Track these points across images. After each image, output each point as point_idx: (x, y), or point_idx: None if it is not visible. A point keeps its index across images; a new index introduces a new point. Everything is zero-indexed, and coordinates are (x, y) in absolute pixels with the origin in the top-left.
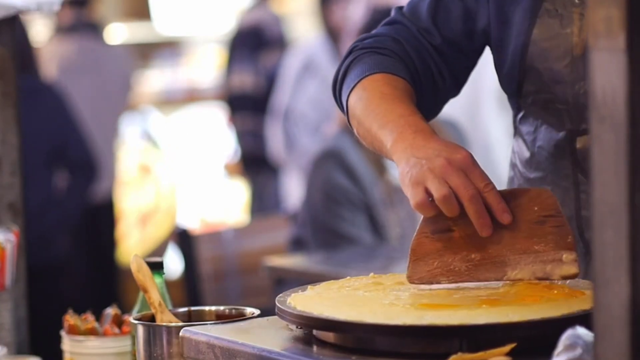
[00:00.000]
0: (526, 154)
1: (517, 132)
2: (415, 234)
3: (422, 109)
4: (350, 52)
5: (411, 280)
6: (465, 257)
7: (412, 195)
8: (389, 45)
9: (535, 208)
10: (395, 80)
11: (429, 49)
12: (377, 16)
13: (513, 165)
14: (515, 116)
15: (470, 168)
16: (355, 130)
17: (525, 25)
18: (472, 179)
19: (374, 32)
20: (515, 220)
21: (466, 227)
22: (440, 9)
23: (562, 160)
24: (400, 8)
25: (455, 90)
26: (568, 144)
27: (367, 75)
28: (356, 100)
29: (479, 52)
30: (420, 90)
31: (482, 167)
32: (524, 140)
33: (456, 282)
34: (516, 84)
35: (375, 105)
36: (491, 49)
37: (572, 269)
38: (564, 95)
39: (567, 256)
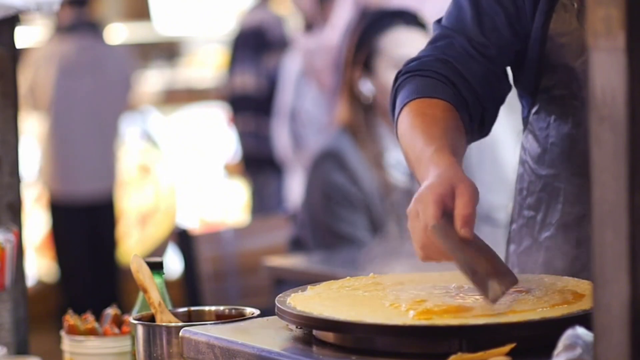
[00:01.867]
0: (538, 150)
1: (528, 127)
2: None
3: (489, 115)
4: (396, 78)
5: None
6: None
7: (411, 230)
8: (432, 66)
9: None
10: (427, 105)
11: (480, 61)
12: (369, 17)
13: (523, 162)
14: (527, 112)
15: (423, 207)
16: None
17: (541, 20)
18: (423, 218)
19: (419, 53)
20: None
21: None
22: (484, 18)
23: (576, 158)
24: (438, 21)
25: (510, 86)
26: (583, 141)
27: (405, 104)
28: (399, 137)
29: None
30: (476, 101)
31: (489, 167)
32: (536, 137)
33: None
34: (533, 79)
35: (406, 145)
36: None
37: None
38: (580, 92)
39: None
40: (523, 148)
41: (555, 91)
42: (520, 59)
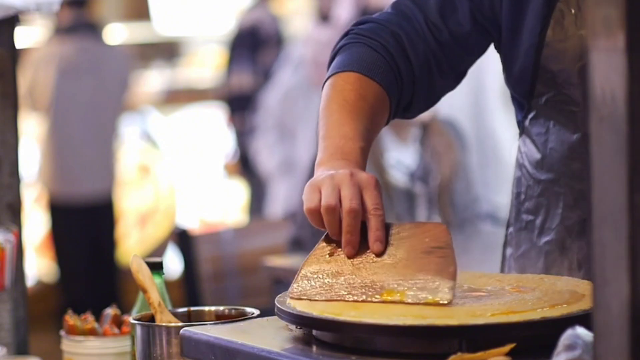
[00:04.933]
0: (536, 155)
1: (525, 132)
2: (309, 254)
3: (417, 100)
4: (346, 34)
5: (291, 295)
6: (347, 280)
7: (306, 200)
8: (383, 38)
9: (427, 239)
10: (367, 85)
11: (431, 45)
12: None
13: (520, 166)
14: (523, 117)
15: (369, 187)
16: None
17: (538, 26)
18: (365, 198)
19: (376, 15)
20: (401, 252)
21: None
22: (446, 3)
23: (575, 163)
24: None
25: (454, 83)
26: (582, 147)
27: (344, 71)
28: (324, 94)
29: (484, 48)
30: (411, 85)
31: (493, 168)
32: (534, 141)
33: (332, 300)
34: (528, 85)
35: (331, 111)
36: (499, 49)
37: (447, 296)
38: (579, 97)
39: (444, 284)
40: (520, 152)
41: (554, 96)
42: (479, 51)
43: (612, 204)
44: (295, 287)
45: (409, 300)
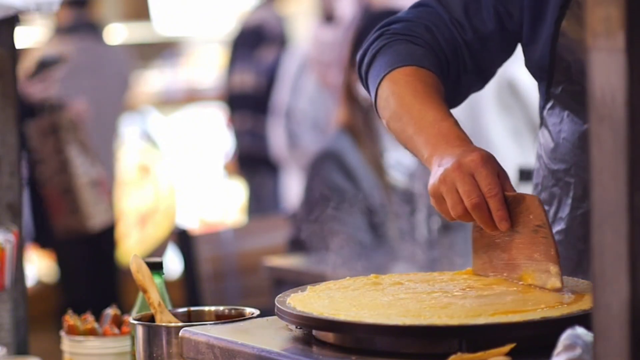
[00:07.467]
0: (551, 145)
1: (543, 123)
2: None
3: (447, 99)
4: (380, 35)
5: (474, 271)
6: (499, 255)
7: (440, 212)
8: (420, 34)
9: (531, 216)
10: (426, 75)
11: (459, 42)
12: (367, 17)
13: (539, 157)
14: (542, 107)
15: (477, 169)
16: (385, 122)
17: (554, 17)
18: (479, 182)
19: (402, 14)
20: (521, 227)
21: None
22: (471, 2)
23: (585, 153)
24: None
25: (479, 84)
26: None
27: (398, 67)
28: (388, 94)
29: (509, 49)
30: (446, 80)
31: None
32: (550, 132)
33: (496, 276)
34: (546, 75)
35: (408, 105)
36: (521, 44)
37: (557, 283)
38: None
39: (553, 269)
40: (539, 143)
41: (568, 86)
42: (504, 50)
43: (612, 204)
44: (474, 263)
45: (538, 283)
